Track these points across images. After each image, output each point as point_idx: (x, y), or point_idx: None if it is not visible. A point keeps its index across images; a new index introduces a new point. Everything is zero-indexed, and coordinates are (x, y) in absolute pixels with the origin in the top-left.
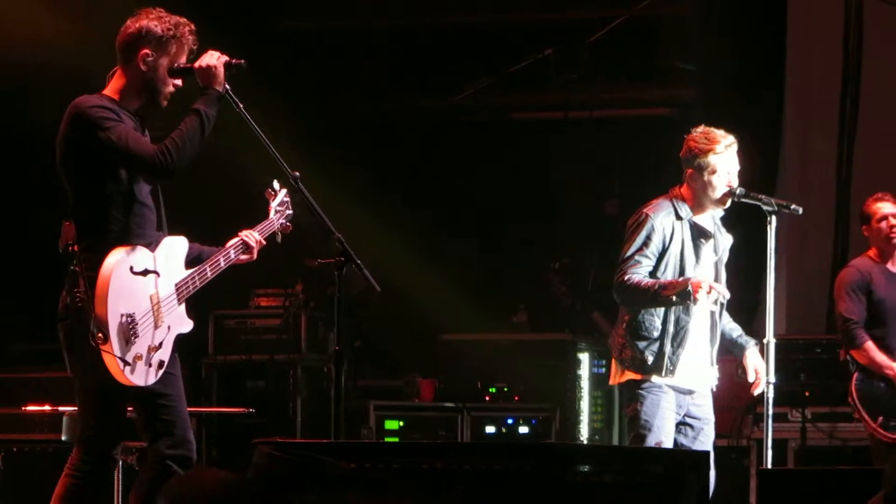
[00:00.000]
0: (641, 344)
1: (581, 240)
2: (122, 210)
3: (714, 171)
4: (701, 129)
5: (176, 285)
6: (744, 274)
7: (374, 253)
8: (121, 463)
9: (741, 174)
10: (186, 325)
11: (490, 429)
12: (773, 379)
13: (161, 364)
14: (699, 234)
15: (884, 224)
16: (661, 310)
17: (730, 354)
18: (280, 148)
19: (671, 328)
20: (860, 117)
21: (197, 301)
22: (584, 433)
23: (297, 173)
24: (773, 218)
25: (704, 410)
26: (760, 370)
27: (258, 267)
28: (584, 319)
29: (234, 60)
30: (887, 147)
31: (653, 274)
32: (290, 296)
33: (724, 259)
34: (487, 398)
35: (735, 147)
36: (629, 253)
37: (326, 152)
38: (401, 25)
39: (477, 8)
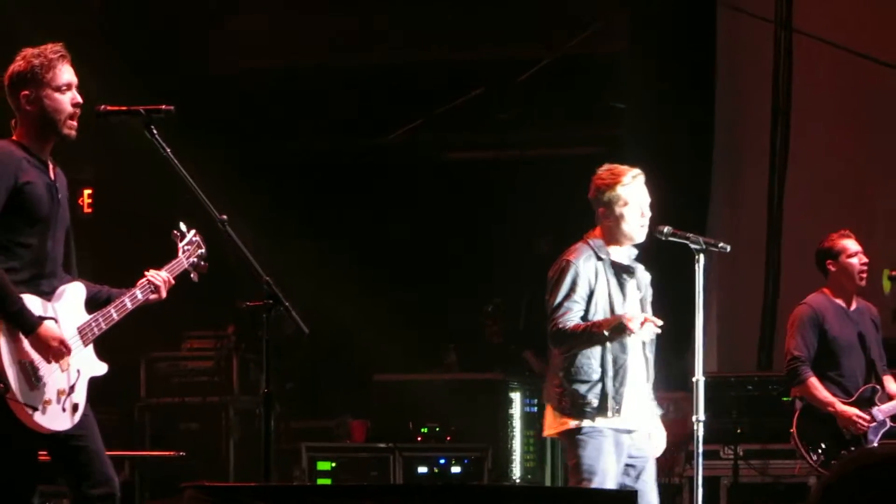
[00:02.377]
0: (583, 388)
1: (513, 278)
2: (17, 259)
3: (625, 204)
4: (605, 166)
5: (78, 329)
6: (673, 312)
7: (304, 295)
8: None
9: (671, 212)
10: (99, 368)
11: (422, 469)
12: (703, 417)
13: (76, 407)
14: (621, 271)
15: (856, 260)
16: (597, 352)
17: (659, 392)
18: (208, 191)
19: (610, 368)
20: (790, 153)
21: (128, 343)
22: (516, 473)
23: (225, 216)
24: (702, 256)
25: (645, 448)
26: (660, 439)
27: (189, 309)
28: (515, 358)
29: (162, 106)
30: (818, 183)
31: (584, 318)
32: (221, 338)
33: (649, 297)
34: (419, 438)
35: (642, 178)
36: (557, 301)
37: (256, 195)
38: (334, 65)
39: (411, 47)
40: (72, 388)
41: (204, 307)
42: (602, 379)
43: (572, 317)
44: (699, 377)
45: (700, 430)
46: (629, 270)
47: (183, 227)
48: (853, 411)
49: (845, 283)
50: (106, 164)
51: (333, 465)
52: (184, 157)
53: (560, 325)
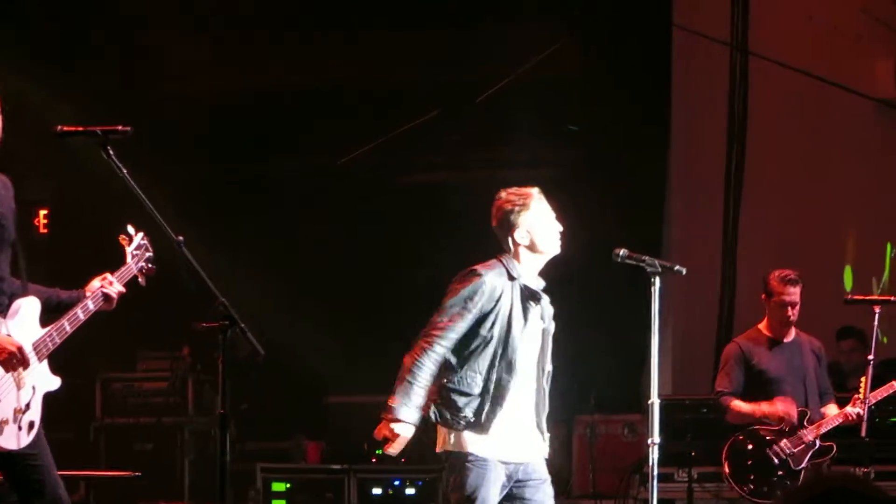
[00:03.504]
0: (461, 400)
1: None
2: None
3: (538, 221)
4: (504, 192)
5: (33, 345)
6: (630, 335)
7: (260, 316)
8: None
9: (626, 234)
10: (53, 383)
11: (377, 490)
12: (657, 439)
13: (32, 425)
14: (529, 296)
15: (784, 310)
16: (484, 368)
17: (615, 414)
18: (164, 212)
19: (492, 387)
20: (746, 176)
21: (83, 363)
22: None
23: (181, 237)
24: (657, 279)
25: (538, 472)
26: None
27: (144, 330)
28: None
29: (119, 127)
30: (773, 206)
31: (476, 333)
32: (176, 359)
33: (551, 329)
34: (374, 460)
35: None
36: (448, 305)
37: (211, 216)
38: (287, 86)
39: (363, 69)
40: (27, 406)
41: (159, 328)
42: (482, 395)
43: (445, 343)
44: (654, 400)
45: (655, 453)
46: (536, 297)
47: (131, 230)
48: (778, 407)
49: (775, 324)
50: (62, 185)
51: (288, 485)
52: (141, 178)
53: (423, 352)
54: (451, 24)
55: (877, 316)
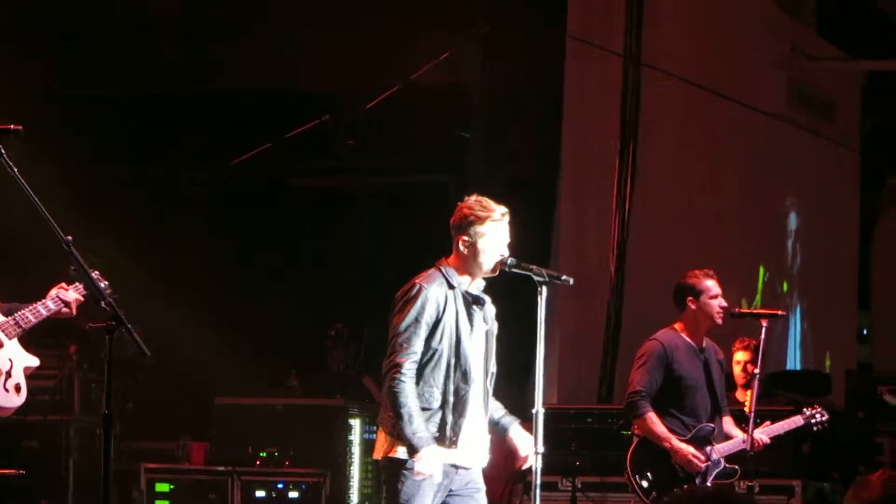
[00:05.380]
0: (423, 415)
1: (356, 305)
2: None
3: (488, 239)
4: (474, 197)
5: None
6: (515, 343)
7: (148, 317)
8: None
9: (514, 242)
10: (30, 360)
11: (260, 493)
12: (541, 449)
13: (18, 387)
14: (472, 301)
15: (716, 302)
16: (441, 380)
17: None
18: (55, 212)
19: (451, 398)
20: (637, 186)
21: None
22: (353, 499)
23: (70, 237)
24: (544, 288)
25: (474, 481)
26: (528, 444)
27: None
28: (356, 384)
29: (11, 126)
30: (663, 216)
31: (427, 346)
32: (63, 357)
33: (494, 330)
34: (258, 462)
35: (508, 218)
36: (403, 325)
37: (104, 217)
38: (185, 91)
39: (258, 75)
40: (8, 374)
41: (47, 325)
42: (443, 408)
43: (411, 359)
44: (538, 409)
45: (539, 462)
46: (479, 301)
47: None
48: (689, 450)
49: (701, 321)
50: None
51: (172, 486)
52: (32, 178)
53: (397, 381)
54: (348, 29)
55: (763, 329)
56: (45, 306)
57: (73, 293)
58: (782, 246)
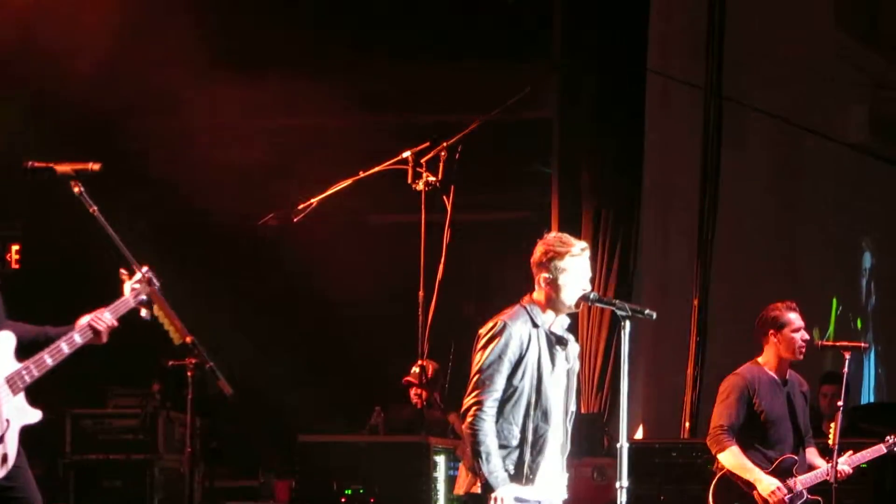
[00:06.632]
0: (500, 453)
1: (439, 342)
2: None
3: (569, 275)
4: (554, 234)
5: (6, 378)
6: (599, 378)
7: (230, 355)
8: None
9: (598, 278)
10: (31, 416)
11: None
12: (626, 483)
13: (5, 458)
14: (555, 341)
15: (798, 336)
16: (520, 418)
17: (587, 457)
18: (136, 249)
19: (530, 436)
20: (718, 225)
21: (52, 398)
22: None
23: (146, 268)
24: (627, 323)
25: None
26: None
27: (114, 366)
28: (440, 423)
29: (90, 165)
30: (746, 249)
31: (508, 383)
32: (147, 395)
33: (576, 368)
34: (343, 500)
35: (588, 252)
36: (486, 363)
37: (178, 251)
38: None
39: (337, 109)
40: (0, 439)
41: (129, 364)
42: (521, 446)
43: (493, 397)
44: (623, 443)
45: (624, 497)
46: (562, 341)
47: (135, 266)
48: (773, 481)
49: (784, 354)
50: (34, 220)
51: None
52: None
53: (477, 422)
54: (427, 66)
55: (846, 362)
56: (71, 342)
57: (108, 317)
58: (856, 283)
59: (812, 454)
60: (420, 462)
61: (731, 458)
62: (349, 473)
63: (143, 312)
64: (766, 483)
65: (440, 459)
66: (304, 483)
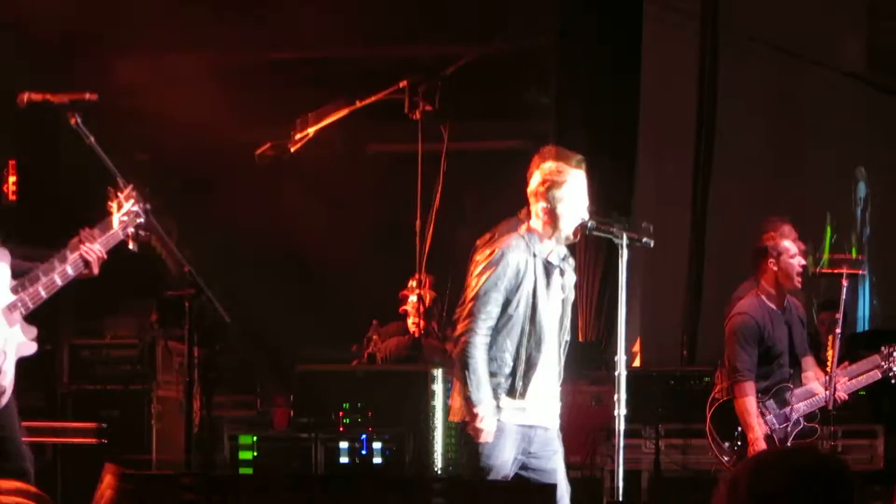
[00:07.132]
0: (493, 380)
1: (436, 271)
2: None
3: (567, 204)
4: (550, 161)
5: (2, 311)
6: (597, 305)
7: (228, 284)
8: None
9: (594, 202)
10: (27, 348)
11: (344, 459)
12: (624, 410)
13: (3, 391)
14: (551, 270)
15: (796, 261)
16: (513, 346)
17: (583, 384)
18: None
19: (522, 364)
20: (715, 153)
21: (50, 330)
22: (438, 463)
23: (149, 205)
24: (625, 251)
25: (551, 444)
26: None
27: (111, 297)
28: (437, 349)
29: (86, 95)
30: (742, 184)
31: (503, 312)
32: (144, 326)
33: (571, 297)
34: (342, 428)
35: (584, 165)
36: (482, 291)
37: (175, 181)
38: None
39: (332, 41)
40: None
41: (126, 295)
42: (514, 372)
43: (484, 325)
44: (621, 371)
45: (622, 424)
46: (559, 271)
47: (122, 194)
48: (761, 437)
49: (783, 282)
50: (30, 151)
51: (255, 453)
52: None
53: (469, 350)
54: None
55: (843, 289)
56: (64, 275)
57: (98, 249)
58: (852, 213)
59: (809, 364)
60: (419, 390)
61: (742, 409)
62: (348, 402)
63: (131, 245)
64: (756, 438)
65: (438, 388)
66: (302, 411)
